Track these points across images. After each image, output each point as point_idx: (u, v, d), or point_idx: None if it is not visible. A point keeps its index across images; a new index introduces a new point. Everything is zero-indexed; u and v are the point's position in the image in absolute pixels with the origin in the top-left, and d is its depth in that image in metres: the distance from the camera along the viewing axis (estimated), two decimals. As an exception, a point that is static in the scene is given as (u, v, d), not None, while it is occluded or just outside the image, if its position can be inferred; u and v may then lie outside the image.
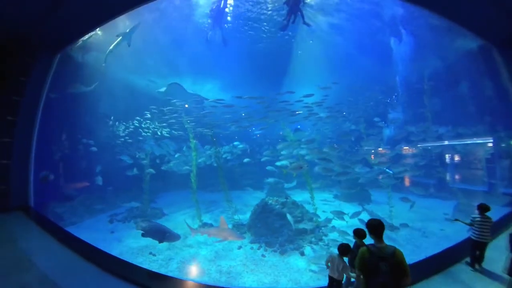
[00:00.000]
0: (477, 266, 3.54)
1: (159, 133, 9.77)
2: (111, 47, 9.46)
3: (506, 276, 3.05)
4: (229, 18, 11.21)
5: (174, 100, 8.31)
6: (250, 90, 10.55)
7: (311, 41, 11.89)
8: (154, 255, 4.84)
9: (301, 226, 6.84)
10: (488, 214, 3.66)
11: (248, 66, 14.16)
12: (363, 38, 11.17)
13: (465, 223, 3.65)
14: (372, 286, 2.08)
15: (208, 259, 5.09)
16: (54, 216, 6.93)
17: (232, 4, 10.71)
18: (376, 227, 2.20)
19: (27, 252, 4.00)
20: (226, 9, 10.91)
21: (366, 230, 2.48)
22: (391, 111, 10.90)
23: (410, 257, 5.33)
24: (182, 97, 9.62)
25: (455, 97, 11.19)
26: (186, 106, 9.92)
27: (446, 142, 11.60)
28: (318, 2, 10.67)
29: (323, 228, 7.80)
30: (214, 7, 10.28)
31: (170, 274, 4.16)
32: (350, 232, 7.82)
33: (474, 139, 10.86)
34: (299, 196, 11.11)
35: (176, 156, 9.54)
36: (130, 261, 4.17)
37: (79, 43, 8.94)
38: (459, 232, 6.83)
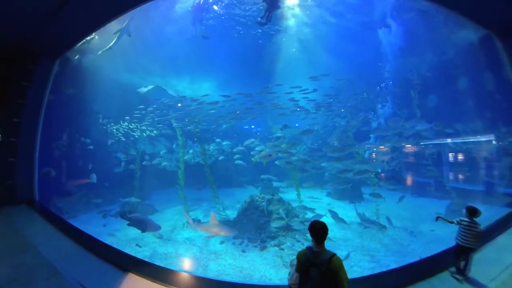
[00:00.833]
0: (461, 276, 3.25)
1: (147, 133, 10.42)
2: (111, 44, 10.14)
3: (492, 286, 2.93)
4: (217, 8, 11.39)
5: (165, 100, 8.89)
6: (244, 87, 10.84)
7: (301, 38, 12.11)
8: (140, 246, 5.49)
9: (283, 223, 7.27)
10: (489, 214, 3.67)
11: (241, 63, 14.60)
12: (353, 30, 11.27)
13: (448, 221, 3.49)
14: None
15: (189, 252, 5.67)
16: (55, 210, 7.76)
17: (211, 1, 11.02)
18: (318, 230, 2.00)
19: (30, 239, 4.72)
20: (215, 7, 11.27)
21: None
22: (381, 107, 10.99)
23: (393, 259, 5.57)
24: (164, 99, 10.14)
25: (452, 92, 11.12)
26: (179, 105, 10.54)
27: (441, 140, 11.58)
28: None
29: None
30: (195, 4, 10.67)
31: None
32: (338, 228, 8.10)
33: (472, 136, 10.79)
34: (292, 194, 11.52)
35: (161, 153, 10.20)
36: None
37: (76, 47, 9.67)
38: (450, 234, 7.08)
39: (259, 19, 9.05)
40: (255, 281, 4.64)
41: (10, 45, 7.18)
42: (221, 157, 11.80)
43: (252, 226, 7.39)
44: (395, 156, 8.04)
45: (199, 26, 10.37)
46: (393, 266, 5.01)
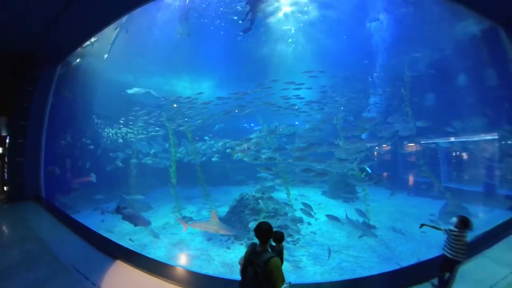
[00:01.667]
0: None
1: (140, 134, 11.11)
2: (112, 39, 10.86)
3: None
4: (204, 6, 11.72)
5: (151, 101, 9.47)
6: (242, 86, 11.19)
7: (290, 40, 12.32)
8: (132, 241, 6.17)
9: (271, 221, 7.75)
10: (488, 217, 3.59)
11: (237, 63, 15.04)
12: (345, 25, 11.30)
13: (435, 228, 3.26)
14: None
15: (177, 247, 6.24)
16: (60, 205, 8.64)
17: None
18: (262, 232, 2.08)
19: (36, 230, 5.50)
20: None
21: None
22: (373, 103, 11.07)
23: (377, 261, 5.60)
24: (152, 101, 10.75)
25: (450, 89, 11.01)
26: (175, 106, 11.17)
27: (438, 139, 11.55)
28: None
29: (298, 225, 8.57)
30: (181, 4, 11.08)
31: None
32: (326, 228, 8.36)
33: (471, 135, 10.64)
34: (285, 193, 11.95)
35: (151, 152, 10.90)
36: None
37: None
38: (442, 237, 7.04)
39: (241, 21, 9.34)
40: (235, 276, 5.09)
41: (16, 53, 8.01)
42: (215, 157, 12.28)
43: (241, 224, 7.88)
44: (365, 157, 8.05)
45: (185, 25, 10.70)
46: (376, 269, 5.14)
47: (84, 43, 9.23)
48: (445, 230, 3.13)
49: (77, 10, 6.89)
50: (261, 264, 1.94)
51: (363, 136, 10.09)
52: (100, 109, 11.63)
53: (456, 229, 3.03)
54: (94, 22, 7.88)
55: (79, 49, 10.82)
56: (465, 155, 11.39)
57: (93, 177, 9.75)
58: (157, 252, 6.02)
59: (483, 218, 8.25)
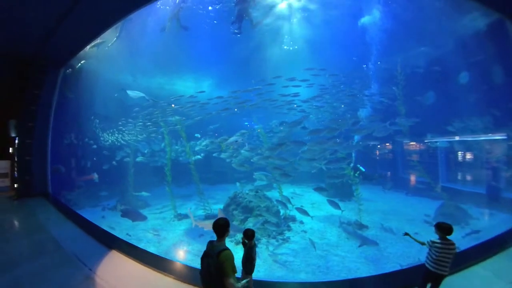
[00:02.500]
0: None
1: (140, 133, 11.76)
2: (116, 35, 11.58)
3: None
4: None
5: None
6: (241, 85, 11.44)
7: (286, 36, 12.52)
8: (129, 235, 6.81)
9: (262, 219, 8.13)
10: (493, 222, 3.58)
11: (236, 62, 15.43)
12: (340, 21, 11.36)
13: (417, 241, 2.99)
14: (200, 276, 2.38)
15: (168, 241, 6.79)
16: (65, 202, 9.46)
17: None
18: (219, 226, 2.35)
19: (43, 223, 6.23)
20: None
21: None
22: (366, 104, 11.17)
23: (364, 262, 5.61)
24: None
25: (453, 87, 10.93)
26: (173, 106, 11.75)
27: (438, 139, 11.54)
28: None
29: (290, 223, 8.94)
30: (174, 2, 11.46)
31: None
32: (318, 227, 8.61)
33: (473, 134, 10.53)
34: (284, 191, 12.23)
35: (145, 151, 11.55)
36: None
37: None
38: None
39: (232, 24, 9.64)
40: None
41: (22, 58, 8.77)
42: (198, 156, 12.51)
43: (234, 222, 8.39)
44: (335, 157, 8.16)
45: (175, 22, 11.06)
46: (361, 271, 5.24)
47: (84, 47, 9.87)
48: (428, 243, 2.86)
49: (76, 17, 7.41)
50: (213, 255, 2.19)
51: (356, 137, 10.25)
52: (100, 110, 12.45)
53: (438, 241, 2.76)
54: (93, 28, 8.44)
55: (83, 52, 11.66)
56: (467, 155, 11.32)
57: (95, 177, 10.58)
58: (149, 244, 6.59)
59: (486, 222, 8.24)
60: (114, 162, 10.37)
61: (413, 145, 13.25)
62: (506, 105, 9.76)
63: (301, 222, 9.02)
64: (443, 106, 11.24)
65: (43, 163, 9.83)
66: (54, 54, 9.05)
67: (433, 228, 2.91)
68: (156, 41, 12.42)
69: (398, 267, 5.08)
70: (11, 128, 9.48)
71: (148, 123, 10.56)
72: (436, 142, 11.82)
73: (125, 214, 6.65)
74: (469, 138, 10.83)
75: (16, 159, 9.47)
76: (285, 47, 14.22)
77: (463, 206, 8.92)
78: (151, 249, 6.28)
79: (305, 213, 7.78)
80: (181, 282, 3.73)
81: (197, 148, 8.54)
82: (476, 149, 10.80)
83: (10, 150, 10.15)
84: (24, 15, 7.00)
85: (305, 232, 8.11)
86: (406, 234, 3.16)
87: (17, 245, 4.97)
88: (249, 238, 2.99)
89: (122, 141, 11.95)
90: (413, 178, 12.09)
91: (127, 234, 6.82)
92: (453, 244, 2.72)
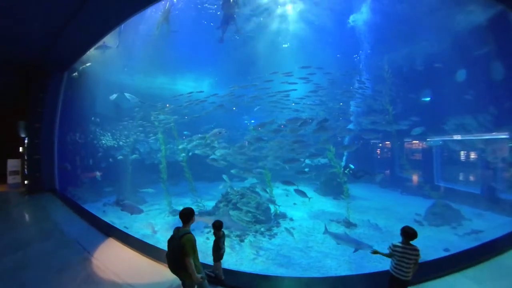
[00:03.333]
0: None
1: (135, 133, 12.62)
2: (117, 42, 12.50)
3: None
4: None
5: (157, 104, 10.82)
6: (241, 82, 11.94)
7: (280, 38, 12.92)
8: (126, 228, 7.58)
9: (250, 216, 8.61)
10: (490, 225, 3.51)
11: (233, 62, 16.03)
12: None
13: (386, 255, 2.93)
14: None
15: (160, 234, 7.39)
16: (71, 196, 10.46)
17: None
18: (183, 214, 2.86)
19: (51, 214, 7.14)
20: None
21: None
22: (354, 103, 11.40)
23: (343, 260, 5.70)
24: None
25: (449, 85, 10.96)
26: (168, 105, 12.52)
27: (433, 138, 11.64)
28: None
29: (280, 220, 9.39)
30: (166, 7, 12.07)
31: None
32: (307, 224, 8.94)
33: (470, 133, 10.56)
34: (275, 190, 12.73)
35: (141, 150, 12.39)
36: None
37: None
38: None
39: (219, 29, 10.06)
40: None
41: (28, 64, 9.70)
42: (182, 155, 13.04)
43: (224, 217, 9.03)
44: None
45: (166, 25, 11.64)
46: (342, 269, 5.38)
47: (86, 51, 10.74)
48: (390, 248, 2.87)
49: (78, 24, 8.13)
50: (177, 238, 2.68)
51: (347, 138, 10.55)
52: (102, 110, 13.44)
53: (400, 245, 2.77)
54: (94, 33, 9.17)
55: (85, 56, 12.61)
56: (463, 155, 11.31)
57: (98, 175, 11.58)
58: (145, 238, 7.31)
59: (478, 224, 8.15)
60: (110, 159, 11.28)
61: (409, 143, 13.40)
62: (504, 104, 9.75)
63: (291, 219, 9.50)
64: (439, 104, 11.29)
65: (51, 161, 10.86)
66: (58, 59, 9.95)
67: (421, 228, 2.85)
68: (150, 44, 13.19)
69: (380, 266, 5.12)
70: (21, 129, 10.54)
71: (143, 122, 11.35)
72: (432, 140, 11.90)
73: (124, 207, 7.45)
74: (466, 138, 10.86)
75: (26, 158, 10.55)
76: (285, 45, 14.63)
77: (455, 206, 8.95)
78: (146, 241, 7.06)
79: (303, 194, 8.34)
80: (166, 267, 4.37)
81: (180, 147, 9.10)
82: (473, 148, 10.79)
83: (20, 149, 11.28)
84: (29, 23, 7.75)
85: (293, 229, 8.28)
86: (375, 252, 3.08)
87: (28, 231, 5.87)
88: (217, 228, 3.50)
89: (122, 141, 12.89)
90: (408, 176, 12.24)
91: (124, 227, 7.62)
92: (416, 250, 2.69)
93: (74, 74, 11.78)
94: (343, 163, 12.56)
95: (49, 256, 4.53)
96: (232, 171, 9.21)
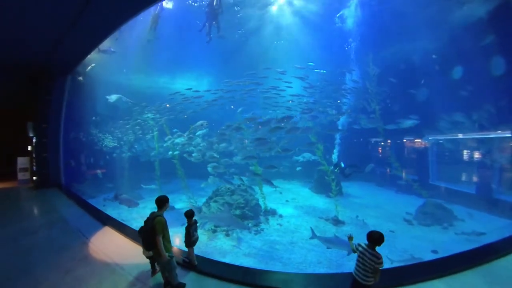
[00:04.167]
0: None
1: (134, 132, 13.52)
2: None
3: None
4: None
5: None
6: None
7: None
8: (123, 221, 8.45)
9: (239, 212, 9.18)
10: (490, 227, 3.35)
11: (230, 61, 16.66)
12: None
13: (352, 247, 2.91)
14: None
15: None
16: (75, 191, 11.54)
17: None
18: (158, 201, 3.43)
19: (56, 207, 8.13)
20: None
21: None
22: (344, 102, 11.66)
23: (327, 258, 5.78)
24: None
25: (447, 83, 10.97)
26: (167, 105, 13.34)
27: (429, 136, 11.76)
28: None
29: (270, 216, 9.94)
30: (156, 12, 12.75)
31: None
32: (296, 221, 9.37)
33: (467, 132, 10.68)
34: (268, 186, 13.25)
35: (136, 147, 13.30)
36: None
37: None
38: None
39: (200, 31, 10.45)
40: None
41: (34, 68, 10.66)
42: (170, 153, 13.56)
43: (213, 213, 9.67)
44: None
45: (153, 31, 12.27)
46: (322, 266, 5.61)
47: (88, 55, 11.63)
48: (355, 247, 2.83)
49: (80, 28, 8.75)
50: (150, 219, 3.30)
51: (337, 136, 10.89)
52: (102, 110, 14.49)
53: (363, 246, 2.74)
54: (95, 37, 9.96)
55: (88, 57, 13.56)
56: (459, 153, 11.41)
57: (99, 172, 12.66)
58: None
59: (471, 225, 8.20)
60: (107, 157, 12.29)
61: (406, 142, 13.60)
62: (500, 102, 9.76)
63: (280, 216, 10.01)
64: (434, 102, 11.35)
65: (57, 159, 11.95)
66: (62, 63, 10.86)
67: (410, 227, 2.92)
68: (143, 47, 13.98)
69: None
70: (29, 129, 11.66)
71: (139, 121, 12.22)
72: (428, 139, 12.05)
73: (121, 201, 8.36)
74: (462, 136, 10.98)
75: (34, 156, 11.68)
76: (282, 41, 15.09)
77: (448, 206, 9.04)
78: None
79: (270, 183, 8.87)
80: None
81: (165, 145, 9.69)
82: (469, 147, 10.93)
83: (29, 148, 12.44)
84: (34, 30, 8.49)
85: (281, 225, 8.80)
86: (350, 238, 3.08)
87: (37, 221, 6.86)
88: (189, 217, 4.11)
89: (121, 140, 13.89)
90: (402, 175, 12.46)
91: (122, 220, 8.53)
92: (378, 257, 2.58)
93: (79, 78, 12.78)
94: (334, 161, 12.98)
95: (54, 240, 5.42)
96: (208, 167, 9.62)
